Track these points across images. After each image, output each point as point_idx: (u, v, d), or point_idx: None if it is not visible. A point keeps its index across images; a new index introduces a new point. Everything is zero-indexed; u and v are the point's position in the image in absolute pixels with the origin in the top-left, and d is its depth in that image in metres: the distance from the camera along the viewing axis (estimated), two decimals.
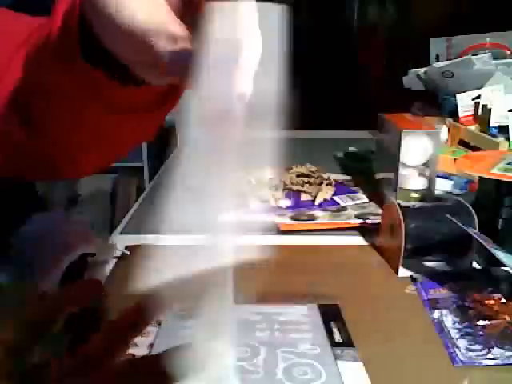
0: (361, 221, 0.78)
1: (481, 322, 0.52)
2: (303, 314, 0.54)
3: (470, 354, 0.48)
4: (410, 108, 1.21)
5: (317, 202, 0.85)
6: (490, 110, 1.00)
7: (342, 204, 0.86)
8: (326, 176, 0.96)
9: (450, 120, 1.10)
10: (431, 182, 0.78)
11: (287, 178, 0.93)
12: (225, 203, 0.25)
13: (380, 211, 0.78)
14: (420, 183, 0.78)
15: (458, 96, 1.07)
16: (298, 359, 0.47)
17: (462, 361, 0.47)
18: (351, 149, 1.18)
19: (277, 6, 0.25)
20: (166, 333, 0.50)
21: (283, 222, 0.78)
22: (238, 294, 0.28)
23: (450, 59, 1.20)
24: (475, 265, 0.65)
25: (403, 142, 0.77)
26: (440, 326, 0.53)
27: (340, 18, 2.70)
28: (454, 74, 1.11)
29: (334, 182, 0.93)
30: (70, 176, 0.75)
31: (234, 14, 0.25)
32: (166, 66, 0.26)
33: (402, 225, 0.62)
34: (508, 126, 0.97)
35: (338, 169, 1.06)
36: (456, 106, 1.08)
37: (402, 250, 0.62)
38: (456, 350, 0.49)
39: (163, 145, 1.71)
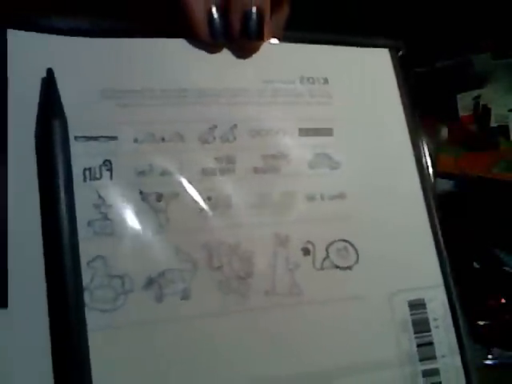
0: None
1: (481, 322, 0.52)
2: None
3: None
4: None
5: None
6: (490, 109, 1.00)
7: None
8: None
9: (450, 120, 1.09)
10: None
11: None
12: None
13: None
14: None
15: (458, 96, 1.07)
16: None
17: None
18: None
19: None
20: None
21: None
22: None
23: (450, 59, 1.20)
24: (475, 265, 0.65)
25: None
26: None
27: None
28: (454, 74, 1.11)
29: None
30: None
31: None
32: None
33: None
34: (508, 125, 0.97)
35: None
36: (456, 105, 1.07)
37: None
38: None
39: None
